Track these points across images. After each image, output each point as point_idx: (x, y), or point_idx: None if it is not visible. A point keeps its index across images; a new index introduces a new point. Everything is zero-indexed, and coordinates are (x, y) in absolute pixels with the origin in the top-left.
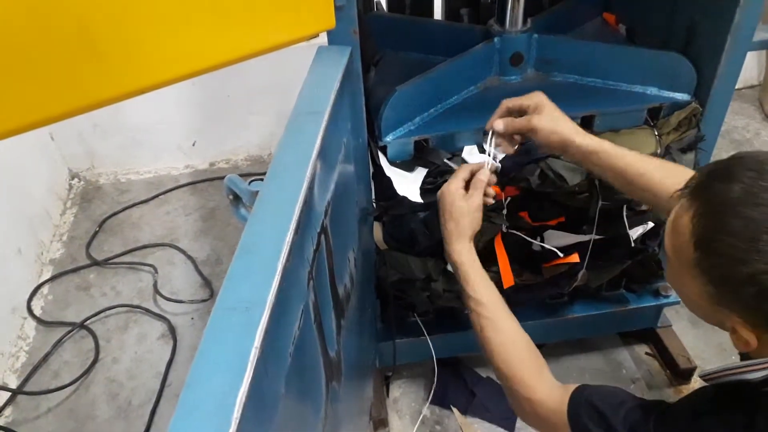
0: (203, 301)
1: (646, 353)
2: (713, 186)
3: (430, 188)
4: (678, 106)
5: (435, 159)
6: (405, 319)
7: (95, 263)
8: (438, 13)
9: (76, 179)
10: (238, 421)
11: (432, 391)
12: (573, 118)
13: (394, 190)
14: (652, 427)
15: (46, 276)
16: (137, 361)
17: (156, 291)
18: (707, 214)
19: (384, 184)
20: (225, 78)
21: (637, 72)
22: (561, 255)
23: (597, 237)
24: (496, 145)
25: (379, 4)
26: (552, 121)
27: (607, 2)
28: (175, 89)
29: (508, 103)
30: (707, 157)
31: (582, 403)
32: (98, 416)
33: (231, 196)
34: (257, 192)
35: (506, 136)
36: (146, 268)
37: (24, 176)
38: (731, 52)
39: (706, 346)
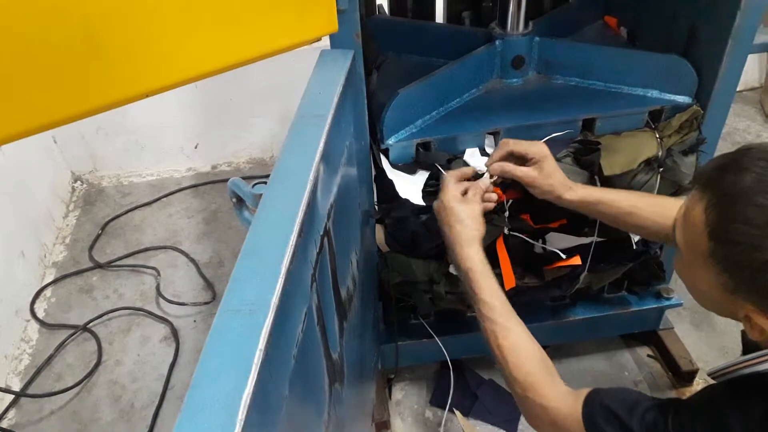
0: (206, 303)
1: (648, 355)
2: (724, 177)
3: (431, 191)
4: (679, 108)
5: (434, 161)
6: (407, 322)
7: (98, 266)
8: (440, 16)
9: (78, 182)
10: (242, 422)
11: (433, 393)
12: (575, 121)
13: (396, 193)
14: (671, 425)
15: (49, 279)
16: (140, 363)
17: (158, 293)
18: (720, 205)
19: (386, 186)
20: (227, 81)
21: (638, 75)
22: (563, 256)
23: (599, 239)
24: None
25: (381, 7)
26: (545, 178)
27: (609, 5)
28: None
29: (514, 146)
30: (708, 159)
31: (596, 407)
32: (101, 419)
33: (234, 199)
34: (260, 195)
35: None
36: (149, 270)
37: (27, 179)
38: (732, 54)
39: (709, 348)
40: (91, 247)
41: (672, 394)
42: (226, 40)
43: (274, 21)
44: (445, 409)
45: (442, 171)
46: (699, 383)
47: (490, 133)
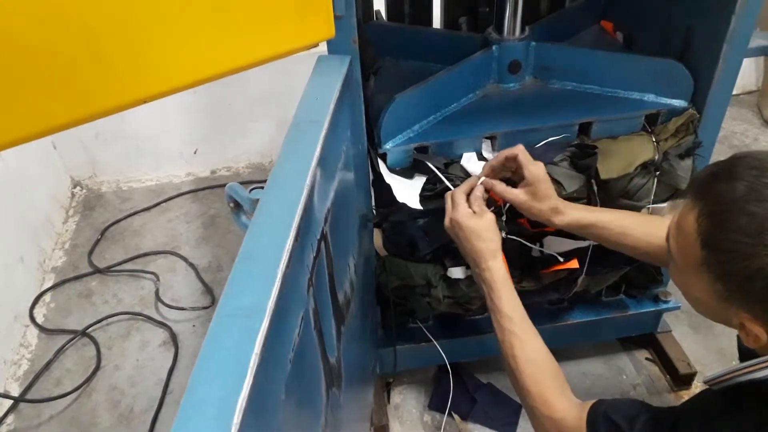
0: (205, 308)
1: (646, 359)
2: (716, 186)
3: (429, 195)
4: (675, 112)
5: (433, 164)
6: (405, 325)
7: (97, 271)
8: (437, 21)
9: (78, 187)
10: (238, 427)
11: (432, 397)
12: (571, 125)
13: (394, 197)
14: None
15: (48, 284)
16: (139, 368)
17: (157, 298)
18: (712, 213)
19: (384, 191)
20: (226, 86)
21: (635, 79)
22: (561, 260)
23: (596, 243)
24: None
25: (378, 13)
26: (536, 202)
27: (605, 10)
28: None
29: (521, 155)
30: (705, 162)
31: (599, 417)
32: (100, 423)
33: (232, 204)
34: (258, 200)
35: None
36: (148, 275)
37: (26, 185)
38: (728, 58)
39: (706, 352)
40: (90, 253)
41: (670, 397)
42: (224, 45)
43: (271, 27)
44: (443, 413)
45: (449, 184)
46: (697, 386)
47: (487, 138)
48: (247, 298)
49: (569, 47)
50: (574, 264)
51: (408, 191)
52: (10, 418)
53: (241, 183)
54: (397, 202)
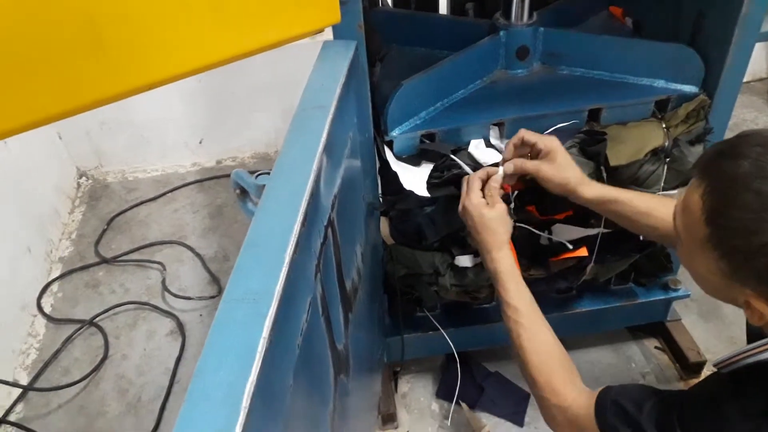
0: (211, 297)
1: (656, 347)
2: (722, 163)
3: (436, 183)
4: (686, 98)
5: (440, 151)
6: (413, 314)
7: (104, 261)
8: (443, 7)
9: (84, 178)
10: (247, 410)
11: (439, 385)
12: (580, 111)
13: (401, 185)
14: (677, 421)
15: (56, 274)
16: (146, 357)
17: (164, 288)
18: (717, 190)
19: (390, 178)
20: (231, 76)
21: (645, 64)
22: (570, 247)
23: (605, 230)
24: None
25: None
26: (560, 171)
27: None
28: (182, 87)
29: (526, 134)
30: None
31: (608, 404)
32: (108, 412)
33: (238, 191)
34: (264, 186)
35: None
36: (154, 265)
37: (32, 175)
38: (739, 43)
39: (716, 340)
40: (97, 243)
41: (680, 385)
42: (228, 31)
43: (276, 12)
44: (451, 401)
45: (467, 169)
46: (707, 375)
47: (494, 124)
48: (255, 282)
49: (578, 33)
50: (583, 252)
51: (415, 179)
52: (19, 407)
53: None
54: (404, 189)
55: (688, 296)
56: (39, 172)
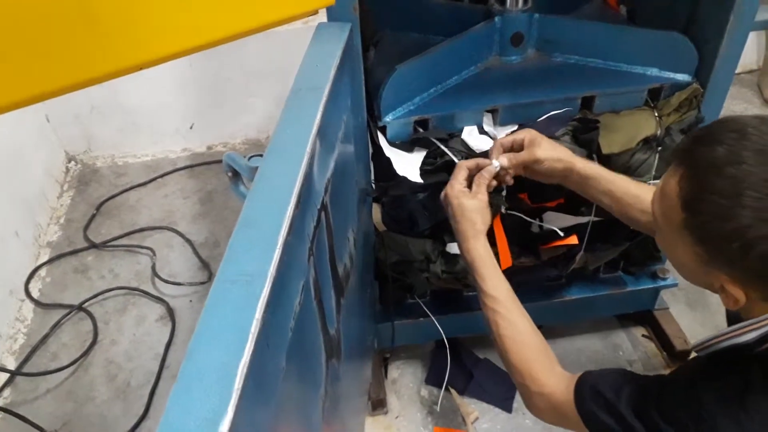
0: (202, 283)
1: (643, 335)
2: (698, 149)
3: (429, 169)
4: (679, 86)
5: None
6: (404, 301)
7: (93, 246)
8: None
9: (72, 162)
10: (239, 393)
11: (429, 371)
12: (574, 99)
13: (394, 171)
14: (654, 404)
15: (44, 259)
16: (136, 343)
17: (154, 273)
18: (693, 176)
19: (383, 164)
20: (223, 61)
21: (638, 52)
22: (562, 235)
23: (596, 219)
24: (498, 182)
25: None
26: (553, 149)
27: None
28: (173, 72)
29: (502, 140)
30: None
31: (586, 389)
32: (97, 397)
33: (230, 173)
34: (257, 168)
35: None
36: (144, 250)
37: (21, 159)
38: (733, 31)
39: (703, 329)
40: (85, 228)
41: (666, 373)
42: (221, 11)
43: None
44: (440, 387)
45: (454, 158)
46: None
47: (488, 111)
48: (248, 264)
49: (572, 20)
50: (573, 240)
51: (408, 165)
52: (6, 392)
53: None
54: (397, 176)
55: (675, 285)
56: (27, 156)
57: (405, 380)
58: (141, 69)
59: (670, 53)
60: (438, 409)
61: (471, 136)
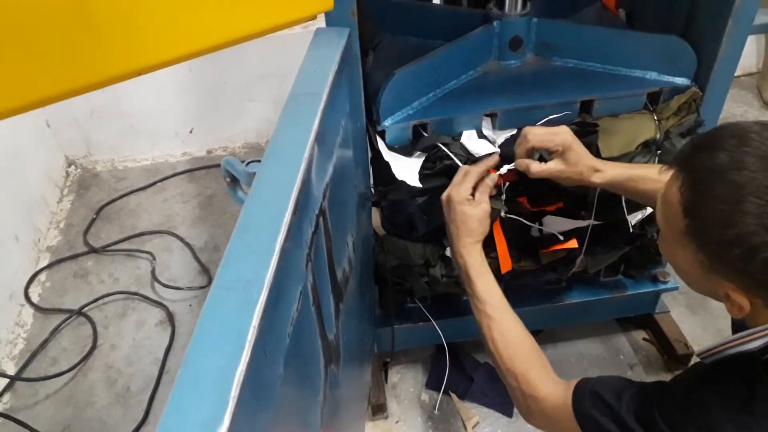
0: (201, 287)
1: (644, 339)
2: (698, 156)
3: (428, 173)
4: (678, 90)
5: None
6: (403, 305)
7: (93, 250)
8: None
9: (72, 166)
10: (236, 400)
11: (429, 376)
12: (573, 103)
13: (393, 175)
14: (656, 409)
15: (44, 263)
16: (135, 347)
17: (154, 278)
18: (694, 182)
19: (382, 168)
20: (223, 65)
21: (637, 56)
22: (561, 238)
23: (596, 222)
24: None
25: None
26: (573, 167)
27: None
28: (173, 76)
29: (534, 142)
30: None
31: (585, 394)
32: (96, 402)
33: (228, 179)
34: (254, 173)
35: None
36: (144, 255)
37: (21, 163)
38: (732, 35)
39: (704, 332)
40: (85, 232)
41: (667, 377)
42: (219, 16)
43: None
44: (440, 392)
45: (458, 161)
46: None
47: (487, 115)
48: (245, 270)
49: (571, 24)
50: (573, 244)
51: (407, 169)
52: (5, 397)
53: None
54: (396, 180)
55: (676, 289)
56: (27, 160)
57: (405, 385)
58: (140, 74)
59: (669, 57)
60: (438, 413)
61: (470, 140)
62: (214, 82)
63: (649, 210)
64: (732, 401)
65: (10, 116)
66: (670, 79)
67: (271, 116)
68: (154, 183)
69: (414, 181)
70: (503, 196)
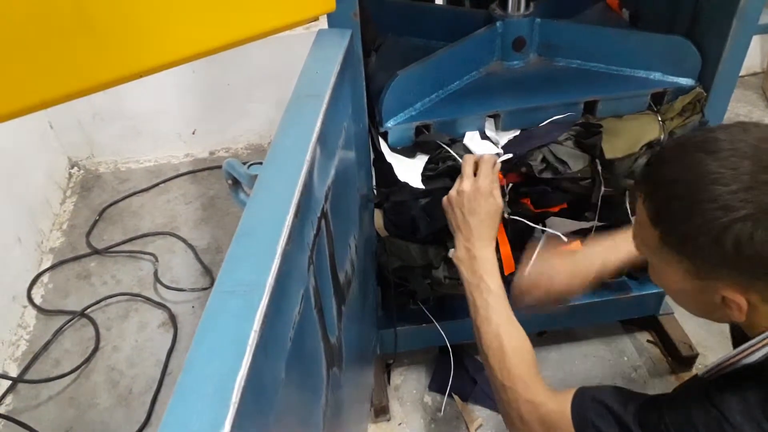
0: (204, 289)
1: (648, 341)
2: (651, 170)
3: (431, 174)
4: (682, 91)
5: (437, 141)
6: (406, 307)
7: (95, 252)
8: None
9: (75, 168)
10: (236, 405)
11: (432, 378)
12: (576, 104)
13: (395, 177)
14: (665, 417)
15: (46, 265)
16: (138, 349)
17: (156, 279)
18: (653, 192)
19: (385, 170)
20: (225, 66)
21: (641, 56)
22: (565, 240)
23: (599, 224)
24: None
25: None
26: (570, 276)
27: None
28: (175, 77)
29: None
30: None
31: (587, 401)
32: (99, 404)
33: (230, 181)
34: (256, 176)
35: None
36: (146, 256)
37: (23, 165)
38: (737, 35)
39: (708, 334)
40: (88, 233)
41: (671, 379)
42: (221, 18)
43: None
44: (444, 394)
45: (470, 151)
46: (698, 369)
47: (490, 116)
48: (247, 274)
49: (574, 24)
50: (577, 245)
51: (409, 170)
52: (8, 399)
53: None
54: (399, 181)
55: None
56: (29, 162)
57: (408, 387)
58: (141, 77)
59: (673, 57)
60: (441, 415)
61: (473, 141)
62: (216, 84)
63: None
64: (750, 407)
65: (13, 118)
66: (675, 79)
67: (273, 117)
68: (157, 184)
69: (417, 182)
70: (506, 198)
